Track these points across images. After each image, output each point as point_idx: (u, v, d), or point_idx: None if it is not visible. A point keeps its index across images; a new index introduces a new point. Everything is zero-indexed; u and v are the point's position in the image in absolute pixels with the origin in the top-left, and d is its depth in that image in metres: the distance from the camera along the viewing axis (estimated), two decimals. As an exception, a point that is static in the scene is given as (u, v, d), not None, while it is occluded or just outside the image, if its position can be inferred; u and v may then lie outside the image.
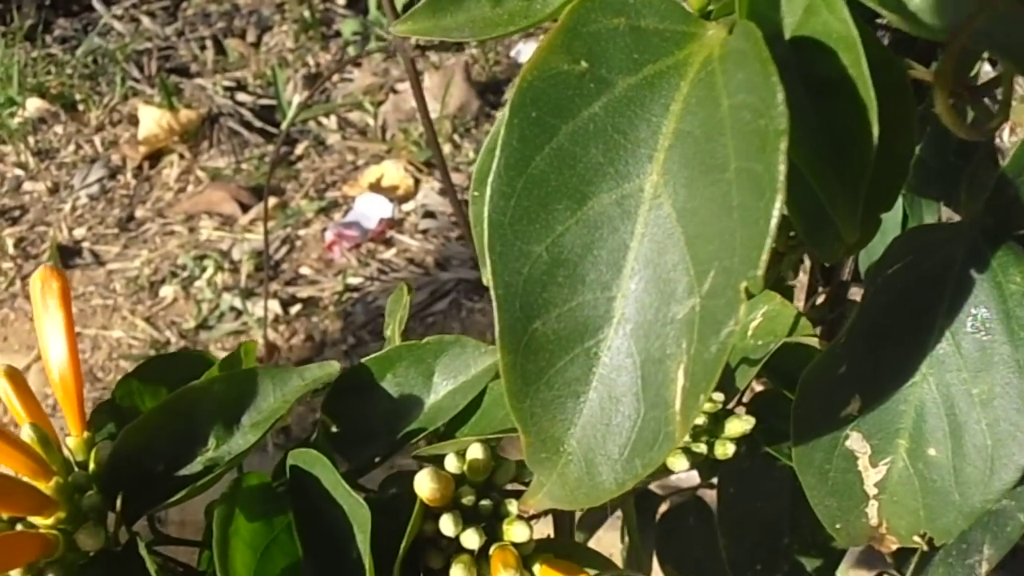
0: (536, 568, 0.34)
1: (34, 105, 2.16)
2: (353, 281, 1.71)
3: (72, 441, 0.36)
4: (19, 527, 0.33)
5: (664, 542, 0.63)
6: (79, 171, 2.01)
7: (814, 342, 0.40)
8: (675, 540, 0.63)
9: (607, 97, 0.25)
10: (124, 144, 2.07)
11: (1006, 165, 0.33)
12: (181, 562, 0.38)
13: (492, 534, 0.34)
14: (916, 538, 0.33)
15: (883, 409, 0.33)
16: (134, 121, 2.09)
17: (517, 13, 0.31)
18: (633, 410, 0.24)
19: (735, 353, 0.41)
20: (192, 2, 2.49)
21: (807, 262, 0.54)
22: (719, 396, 0.39)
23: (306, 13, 2.34)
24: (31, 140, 2.09)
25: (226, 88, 2.19)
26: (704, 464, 0.44)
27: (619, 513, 0.62)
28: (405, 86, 2.11)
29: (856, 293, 0.53)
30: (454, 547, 0.34)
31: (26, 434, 0.34)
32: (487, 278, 0.26)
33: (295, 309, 1.66)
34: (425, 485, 0.32)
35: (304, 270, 1.74)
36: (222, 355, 0.41)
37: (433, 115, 1.51)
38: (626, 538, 0.64)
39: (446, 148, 1.95)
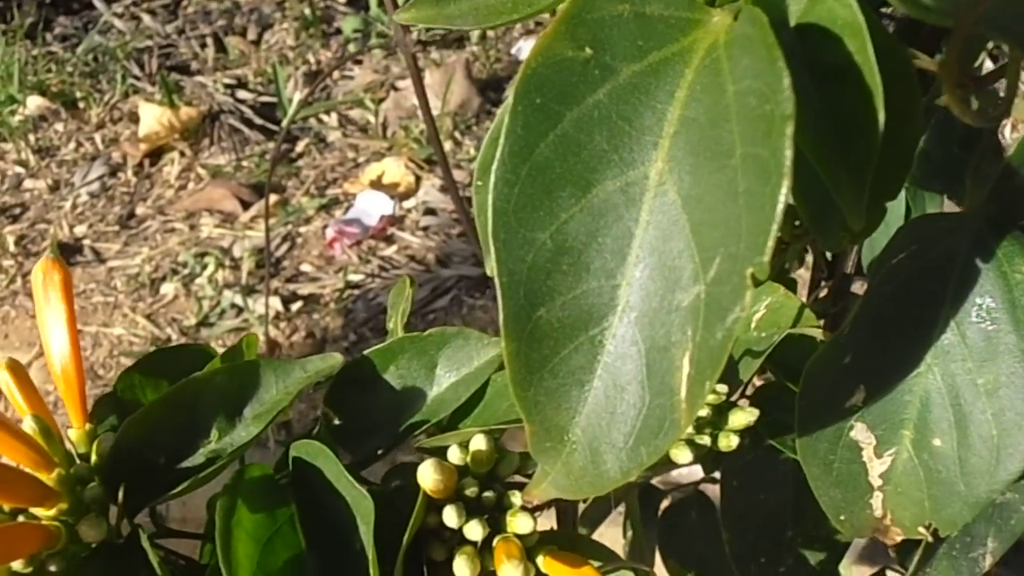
0: (540, 560, 0.34)
1: (35, 103, 2.16)
2: (354, 278, 1.71)
3: (74, 433, 0.36)
4: (21, 518, 0.33)
5: (667, 537, 0.63)
6: (80, 169, 2.01)
7: (818, 333, 0.40)
8: (678, 535, 0.63)
9: (612, 84, 0.25)
10: (125, 142, 2.06)
11: (1011, 154, 0.32)
12: (183, 555, 0.38)
13: (495, 526, 0.34)
14: (921, 529, 0.33)
15: (888, 399, 0.33)
16: (135, 119, 2.09)
17: (521, 0, 0.30)
18: (638, 398, 0.24)
19: (738, 345, 0.41)
20: (193, 0, 2.48)
21: (809, 258, 0.54)
22: (723, 388, 0.39)
23: (307, 11, 2.34)
24: (32, 138, 2.09)
25: (227, 86, 2.19)
26: (707, 457, 0.43)
27: (620, 509, 0.62)
28: (406, 83, 2.11)
29: (859, 288, 0.53)
30: (457, 539, 0.34)
31: (28, 425, 0.34)
32: (490, 267, 0.26)
33: (296, 306, 1.66)
34: (429, 476, 0.32)
35: (305, 267, 1.74)
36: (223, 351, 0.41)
37: (434, 112, 1.51)
38: (628, 533, 0.64)
39: (447, 145, 1.94)
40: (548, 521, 0.39)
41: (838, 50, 0.25)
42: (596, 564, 0.33)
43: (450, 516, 0.33)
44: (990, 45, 0.44)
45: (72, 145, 2.08)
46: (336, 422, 0.39)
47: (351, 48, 2.26)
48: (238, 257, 1.76)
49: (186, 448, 0.35)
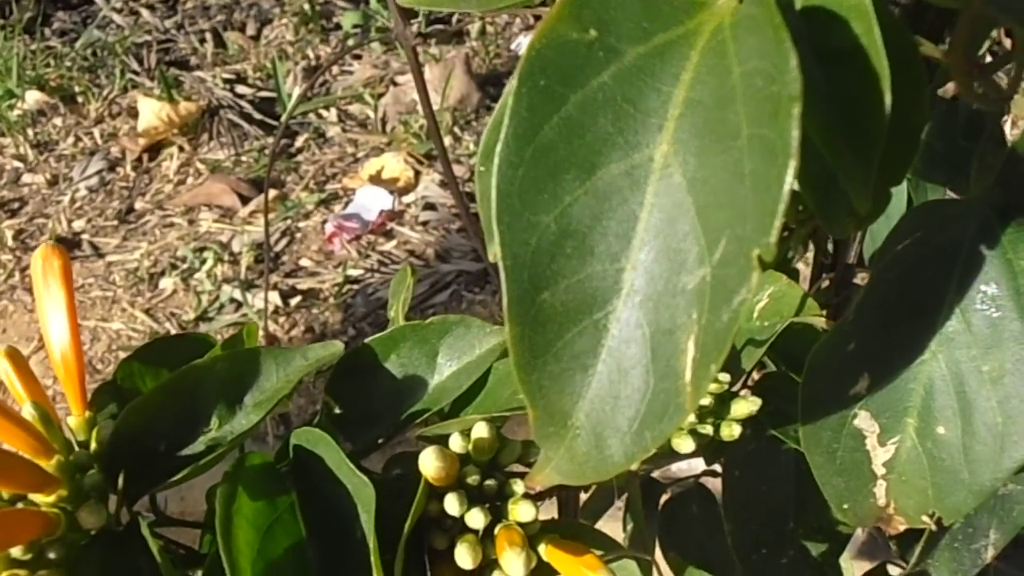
0: (542, 548, 0.34)
1: (33, 97, 2.16)
2: (353, 273, 1.70)
3: (73, 420, 0.36)
4: (20, 505, 0.33)
5: (667, 530, 0.63)
6: (78, 163, 2.01)
7: (821, 322, 0.40)
8: (678, 528, 0.63)
9: (617, 66, 0.24)
10: (123, 136, 2.06)
11: (1016, 142, 0.32)
12: (183, 544, 0.38)
13: (497, 514, 0.34)
14: (924, 518, 0.33)
15: (892, 387, 0.32)
16: (133, 113, 2.09)
17: (524, -16, 0.30)
18: (643, 382, 0.24)
19: (741, 335, 0.41)
20: (191, -6, 2.48)
21: (810, 253, 0.53)
22: (725, 377, 0.39)
23: (306, 6, 2.33)
24: (30, 132, 2.09)
25: (226, 80, 2.18)
26: (709, 447, 0.43)
27: (620, 503, 0.62)
28: (405, 78, 2.11)
29: (861, 279, 0.53)
30: (459, 527, 0.34)
31: (27, 412, 0.34)
32: (493, 252, 0.26)
33: (295, 301, 1.66)
34: (430, 463, 0.32)
35: (304, 262, 1.74)
36: (223, 345, 0.41)
37: (433, 107, 1.50)
38: (628, 526, 0.64)
39: (446, 140, 1.94)
40: (550, 512, 0.39)
41: (844, 33, 0.25)
42: (598, 553, 0.33)
43: (452, 504, 0.33)
44: (993, 33, 0.44)
45: (71, 140, 2.08)
46: (337, 411, 0.39)
47: (351, 43, 2.26)
48: (237, 252, 1.76)
49: (186, 436, 0.35)
